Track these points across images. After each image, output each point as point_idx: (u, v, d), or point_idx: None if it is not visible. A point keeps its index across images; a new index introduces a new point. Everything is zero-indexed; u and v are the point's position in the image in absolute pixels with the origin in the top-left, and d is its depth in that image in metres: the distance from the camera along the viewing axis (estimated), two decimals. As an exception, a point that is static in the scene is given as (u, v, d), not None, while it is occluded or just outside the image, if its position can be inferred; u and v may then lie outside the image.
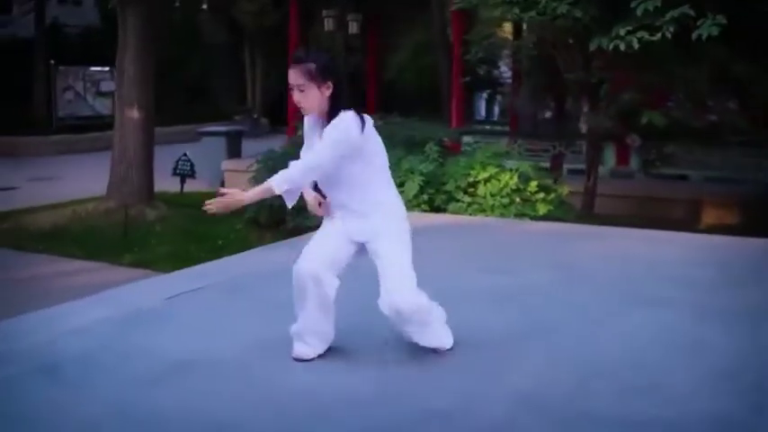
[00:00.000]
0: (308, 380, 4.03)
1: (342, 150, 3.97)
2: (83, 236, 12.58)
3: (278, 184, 3.90)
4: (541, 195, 9.69)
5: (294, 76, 3.98)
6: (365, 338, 4.47)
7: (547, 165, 14.19)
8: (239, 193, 3.94)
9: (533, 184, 9.68)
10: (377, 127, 4.20)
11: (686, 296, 5.54)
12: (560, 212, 9.90)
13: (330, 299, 4.19)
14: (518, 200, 9.56)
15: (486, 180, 9.56)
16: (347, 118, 3.98)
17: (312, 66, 3.97)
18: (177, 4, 32.07)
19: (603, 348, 4.50)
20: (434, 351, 4.32)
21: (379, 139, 4.18)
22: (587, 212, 11.52)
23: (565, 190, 10.31)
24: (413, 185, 9.44)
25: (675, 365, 4.25)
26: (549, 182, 10.19)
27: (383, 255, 4.11)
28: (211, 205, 3.87)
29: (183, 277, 6.19)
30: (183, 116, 26.48)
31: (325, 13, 23.80)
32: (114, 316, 4.99)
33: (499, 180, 9.53)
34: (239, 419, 3.53)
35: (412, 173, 9.58)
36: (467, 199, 9.55)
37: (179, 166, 16.09)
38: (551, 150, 14.34)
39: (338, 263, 4.19)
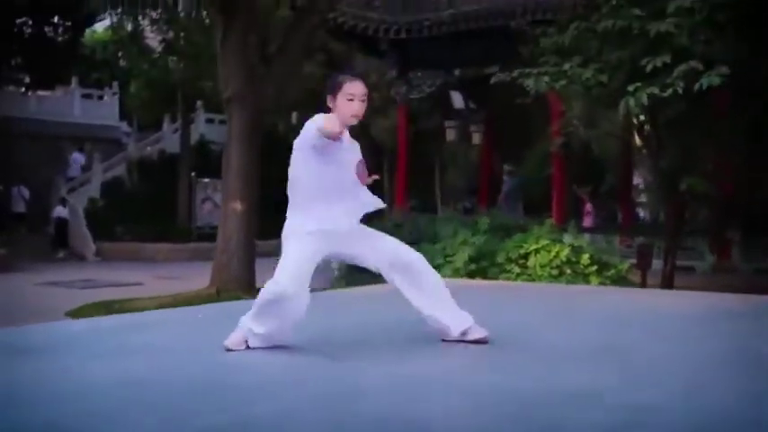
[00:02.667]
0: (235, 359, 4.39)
1: None
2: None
3: None
4: (594, 268, 9.68)
5: (363, 88, 4.43)
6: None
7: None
8: None
9: (585, 256, 9.71)
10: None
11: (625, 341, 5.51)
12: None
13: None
14: (569, 271, 9.60)
15: (537, 251, 9.68)
16: None
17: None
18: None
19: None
20: None
21: None
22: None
23: (624, 266, 10.26)
24: (462, 255, 9.67)
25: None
26: (606, 257, 10.16)
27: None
28: None
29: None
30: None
31: (447, 124, 24.43)
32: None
33: (549, 251, 9.63)
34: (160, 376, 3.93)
35: (464, 244, 9.83)
36: (516, 270, 9.68)
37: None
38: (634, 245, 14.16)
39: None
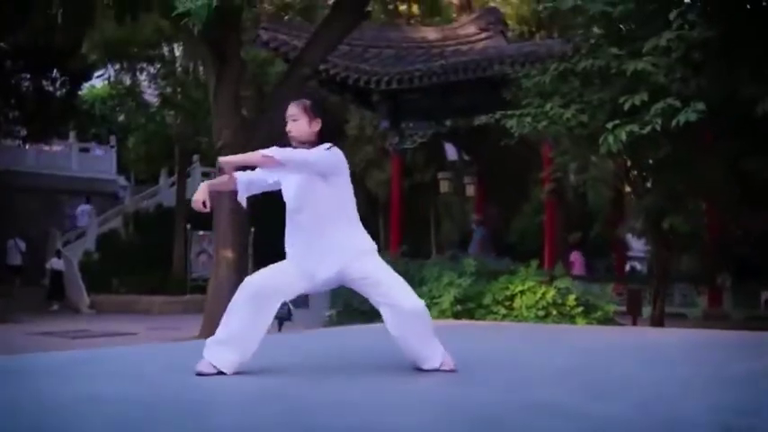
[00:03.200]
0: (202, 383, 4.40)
1: (323, 167, 4.44)
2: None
3: (271, 151, 4.41)
4: (580, 310, 9.70)
5: (290, 109, 4.59)
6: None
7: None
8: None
9: (571, 297, 9.74)
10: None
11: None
12: (606, 330, 9.86)
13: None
14: (555, 313, 9.62)
15: (523, 292, 9.70)
16: (334, 147, 4.51)
17: (307, 102, 4.60)
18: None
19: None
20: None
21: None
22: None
23: (611, 308, 10.27)
24: (448, 297, 9.69)
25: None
26: (593, 299, 10.18)
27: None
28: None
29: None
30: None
31: (440, 175, 24.51)
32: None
33: (535, 293, 9.65)
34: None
35: (450, 285, 9.85)
36: (502, 311, 9.69)
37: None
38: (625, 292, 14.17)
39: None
